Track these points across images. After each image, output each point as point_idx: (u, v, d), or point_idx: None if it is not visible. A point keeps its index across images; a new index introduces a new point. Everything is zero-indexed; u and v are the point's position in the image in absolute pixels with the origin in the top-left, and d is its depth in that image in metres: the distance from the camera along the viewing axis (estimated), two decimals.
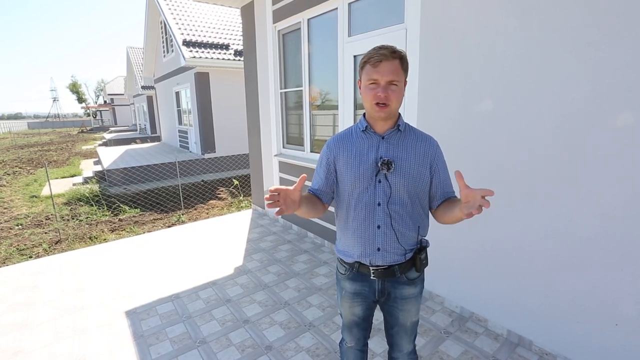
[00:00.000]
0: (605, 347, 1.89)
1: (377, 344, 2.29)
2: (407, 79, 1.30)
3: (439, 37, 2.44)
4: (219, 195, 7.74)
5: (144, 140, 17.87)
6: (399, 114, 1.34)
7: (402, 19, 2.71)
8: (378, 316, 2.16)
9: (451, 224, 1.30)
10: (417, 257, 1.35)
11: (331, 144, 1.40)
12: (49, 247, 4.90)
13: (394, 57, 1.21)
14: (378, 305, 1.50)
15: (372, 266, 1.34)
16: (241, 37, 7.17)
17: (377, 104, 1.22)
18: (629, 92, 1.66)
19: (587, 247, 1.89)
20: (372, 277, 1.36)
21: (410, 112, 2.70)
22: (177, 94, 12.46)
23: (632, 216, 1.71)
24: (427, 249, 1.41)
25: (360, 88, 1.31)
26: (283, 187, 1.11)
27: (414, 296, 1.41)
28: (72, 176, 10.47)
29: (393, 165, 1.26)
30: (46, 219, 6.35)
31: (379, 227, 1.31)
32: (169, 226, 5.66)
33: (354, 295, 1.43)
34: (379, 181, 1.29)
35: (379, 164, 1.27)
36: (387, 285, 1.38)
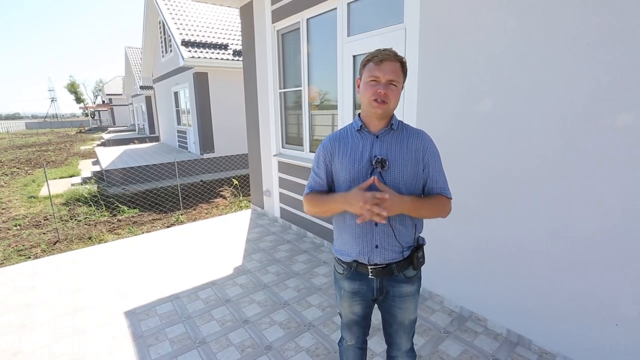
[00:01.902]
0: (604, 347, 1.89)
1: (377, 344, 2.29)
2: (404, 85, 1.33)
3: (438, 37, 2.44)
4: (218, 195, 7.73)
5: (142, 140, 17.83)
6: (393, 114, 1.36)
7: (402, 18, 2.71)
8: (378, 315, 2.15)
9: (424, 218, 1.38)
10: (415, 255, 1.36)
11: (327, 143, 1.41)
12: (48, 248, 4.88)
13: (396, 60, 1.26)
14: (376, 304, 1.50)
15: (370, 265, 1.35)
16: (240, 37, 7.18)
17: (376, 100, 1.24)
18: (628, 93, 1.66)
19: (587, 247, 1.89)
20: (370, 276, 1.37)
21: (409, 112, 2.70)
22: (176, 94, 12.43)
23: (632, 216, 1.71)
24: (424, 247, 1.42)
25: (358, 87, 1.33)
26: (377, 194, 1.18)
27: (411, 294, 1.42)
28: (71, 176, 10.44)
29: (387, 163, 1.28)
30: (44, 220, 6.33)
31: (376, 224, 1.31)
32: (167, 226, 5.65)
33: (352, 295, 1.44)
34: None
35: (373, 162, 1.29)
36: (386, 283, 1.39)
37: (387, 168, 1.28)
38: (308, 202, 1.41)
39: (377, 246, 1.32)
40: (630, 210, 1.72)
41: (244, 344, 2.36)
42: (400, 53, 1.38)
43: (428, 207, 1.31)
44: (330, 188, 1.43)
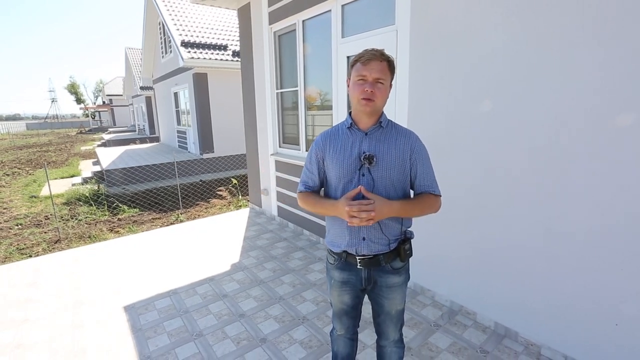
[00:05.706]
0: (591, 338, 1.95)
1: (368, 336, 2.36)
2: (392, 83, 1.39)
3: (429, 38, 2.51)
4: (217, 195, 7.80)
5: (142, 140, 17.91)
6: (382, 112, 1.42)
7: (393, 20, 2.78)
8: (369, 309, 2.22)
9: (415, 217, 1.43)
10: (402, 248, 1.42)
11: (319, 140, 1.50)
12: (49, 247, 4.96)
13: (382, 59, 1.32)
14: (366, 295, 1.57)
15: (358, 255, 1.42)
16: (239, 38, 7.20)
17: (364, 98, 1.31)
18: (616, 91, 1.70)
19: (581, 245, 1.92)
20: (358, 267, 1.44)
21: (400, 112, 2.77)
22: (176, 94, 12.51)
23: (632, 214, 1.72)
24: (412, 240, 1.49)
25: (348, 86, 1.39)
26: (363, 202, 1.27)
27: (398, 285, 1.48)
28: (71, 176, 10.53)
29: (375, 159, 1.35)
30: (45, 219, 6.40)
31: None
32: (167, 225, 5.72)
33: (342, 284, 1.51)
34: (363, 175, 1.37)
35: (362, 159, 1.36)
36: (373, 273, 1.46)
37: (375, 164, 1.35)
38: (302, 200, 1.51)
39: (364, 238, 1.40)
40: (629, 208, 1.72)
41: (239, 336, 2.43)
42: (391, 54, 1.45)
43: (418, 208, 1.39)
44: (321, 183, 1.51)
